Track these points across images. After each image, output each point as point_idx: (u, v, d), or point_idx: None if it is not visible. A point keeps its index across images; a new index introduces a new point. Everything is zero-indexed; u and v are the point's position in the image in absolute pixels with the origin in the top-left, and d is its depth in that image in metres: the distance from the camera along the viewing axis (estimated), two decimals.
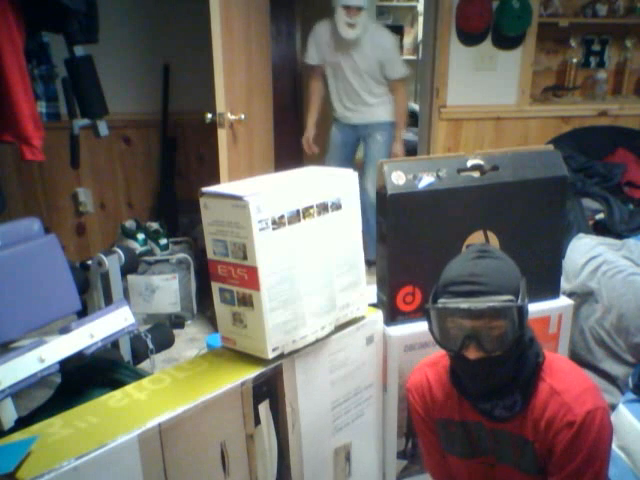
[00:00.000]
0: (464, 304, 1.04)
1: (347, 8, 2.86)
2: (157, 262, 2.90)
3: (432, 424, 1.25)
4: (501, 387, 1.10)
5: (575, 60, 3.61)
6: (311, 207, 1.20)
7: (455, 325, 1.07)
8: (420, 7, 5.29)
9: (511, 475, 1.18)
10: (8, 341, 1.55)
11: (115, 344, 1.84)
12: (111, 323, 1.44)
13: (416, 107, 4.65)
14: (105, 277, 1.99)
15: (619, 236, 2.63)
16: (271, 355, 1.17)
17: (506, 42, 3.41)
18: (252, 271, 1.12)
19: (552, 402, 1.08)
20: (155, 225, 3.08)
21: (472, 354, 1.06)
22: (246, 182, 1.26)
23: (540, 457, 1.11)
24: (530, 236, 1.50)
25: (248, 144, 2.40)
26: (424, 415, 1.25)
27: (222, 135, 2.09)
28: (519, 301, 1.05)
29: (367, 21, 2.97)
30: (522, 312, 1.05)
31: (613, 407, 1.72)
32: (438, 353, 1.27)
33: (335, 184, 1.27)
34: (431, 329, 1.12)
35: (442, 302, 1.07)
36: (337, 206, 1.26)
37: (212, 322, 2.86)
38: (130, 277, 2.77)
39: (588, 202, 3.00)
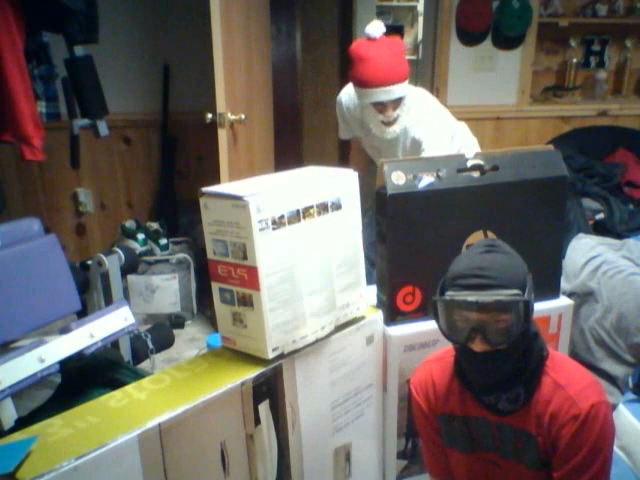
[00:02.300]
0: (471, 297, 1.05)
1: (380, 104, 1.95)
2: (157, 262, 2.90)
3: (434, 420, 1.25)
4: (505, 380, 1.11)
5: (575, 60, 3.62)
6: (311, 207, 1.20)
7: (462, 317, 1.08)
8: (420, 7, 5.30)
9: (513, 470, 1.18)
10: (8, 341, 1.55)
11: (115, 344, 1.84)
12: (111, 323, 1.44)
13: None
14: (105, 277, 1.99)
15: (619, 236, 2.63)
16: (271, 355, 1.17)
17: (506, 42, 3.41)
18: (252, 271, 1.12)
19: (556, 396, 1.09)
20: (155, 225, 3.08)
21: (478, 346, 1.07)
22: (246, 182, 1.25)
23: (543, 452, 1.12)
24: (530, 236, 1.50)
25: (248, 144, 2.40)
26: (427, 411, 1.25)
27: (222, 135, 2.09)
28: (525, 295, 1.06)
29: (410, 104, 2.00)
30: (528, 306, 1.06)
31: (613, 407, 1.72)
32: (443, 349, 1.27)
33: (335, 184, 1.27)
34: (438, 321, 1.13)
35: (450, 294, 1.08)
36: (337, 206, 1.26)
37: (212, 322, 2.86)
38: (130, 277, 2.78)
39: (588, 202, 3.00)
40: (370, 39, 1.92)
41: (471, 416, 1.19)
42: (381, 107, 1.95)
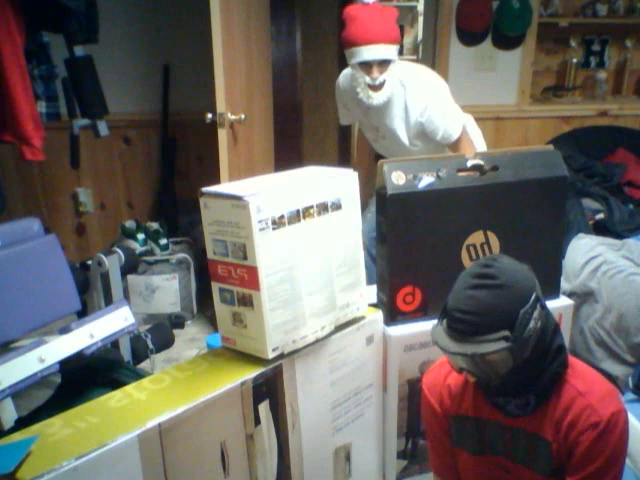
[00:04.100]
0: (451, 346, 1.04)
1: (366, 65, 1.95)
2: (157, 262, 2.90)
3: (445, 422, 1.25)
4: (515, 388, 1.11)
5: (575, 60, 3.62)
6: (311, 207, 1.20)
7: (449, 357, 1.10)
8: (420, 7, 5.29)
9: (522, 475, 1.17)
10: (8, 341, 1.55)
11: (115, 344, 1.84)
12: (111, 323, 1.44)
13: None
14: (105, 277, 1.99)
15: (619, 236, 2.63)
16: (271, 355, 1.17)
17: (506, 42, 3.41)
18: (252, 271, 1.12)
19: (576, 403, 1.08)
20: (155, 225, 3.08)
21: (470, 378, 1.09)
22: (246, 182, 1.26)
23: (556, 458, 1.11)
24: (530, 236, 1.50)
25: (248, 144, 2.40)
26: (439, 413, 1.25)
27: (222, 135, 2.09)
28: (516, 332, 1.02)
29: (398, 71, 2.01)
30: (520, 342, 1.03)
31: None
32: None
33: (335, 184, 1.27)
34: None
35: (437, 333, 1.08)
36: (337, 206, 1.26)
37: (212, 322, 2.86)
38: (130, 277, 2.78)
39: (588, 202, 3.00)
40: (364, 4, 1.95)
41: (483, 418, 1.18)
42: (367, 68, 1.95)
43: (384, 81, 1.97)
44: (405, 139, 2.15)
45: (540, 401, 1.11)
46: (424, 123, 2.07)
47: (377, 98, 1.99)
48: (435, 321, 1.15)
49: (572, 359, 1.16)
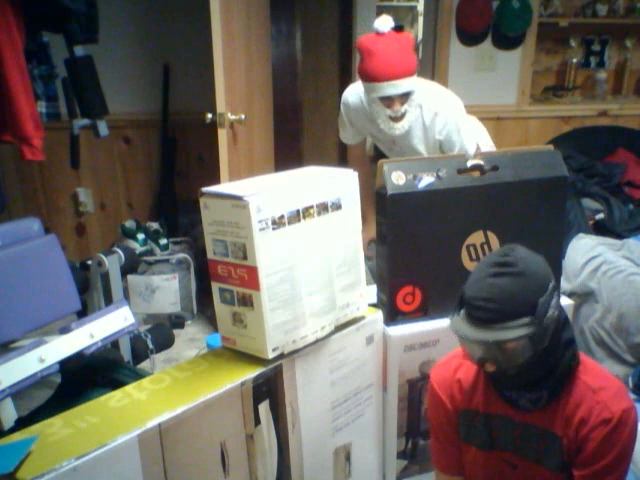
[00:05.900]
0: (473, 334, 1.04)
1: (388, 99, 1.94)
2: (157, 262, 2.90)
3: (454, 417, 1.24)
4: (529, 383, 1.11)
5: (575, 60, 3.62)
6: (311, 207, 1.20)
7: (468, 347, 1.09)
8: (420, 7, 5.30)
9: (530, 472, 1.17)
10: (8, 341, 1.55)
11: (115, 344, 1.84)
12: (111, 323, 1.44)
13: None
14: (105, 277, 1.99)
15: (619, 236, 2.63)
16: (271, 355, 1.17)
17: (506, 42, 3.42)
18: (252, 271, 1.12)
19: (587, 399, 1.08)
20: (155, 225, 3.08)
21: (489, 368, 1.09)
22: (246, 182, 1.26)
23: (566, 453, 1.11)
24: (530, 236, 1.50)
25: (248, 144, 2.40)
26: (450, 409, 1.24)
27: (222, 135, 2.09)
28: (536, 319, 1.02)
29: (417, 97, 1.99)
30: (540, 329, 1.03)
31: None
32: None
33: (335, 184, 1.27)
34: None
35: (456, 322, 1.08)
36: (337, 206, 1.26)
37: (212, 322, 2.86)
38: (130, 277, 2.78)
39: (588, 202, 3.00)
40: (378, 34, 1.92)
41: (493, 414, 1.18)
42: (389, 102, 1.94)
43: (405, 111, 1.97)
44: (424, 152, 2.14)
45: (552, 396, 1.11)
46: (442, 140, 2.09)
47: (399, 128, 2.00)
48: (433, 321, 1.15)
49: (583, 356, 1.16)
